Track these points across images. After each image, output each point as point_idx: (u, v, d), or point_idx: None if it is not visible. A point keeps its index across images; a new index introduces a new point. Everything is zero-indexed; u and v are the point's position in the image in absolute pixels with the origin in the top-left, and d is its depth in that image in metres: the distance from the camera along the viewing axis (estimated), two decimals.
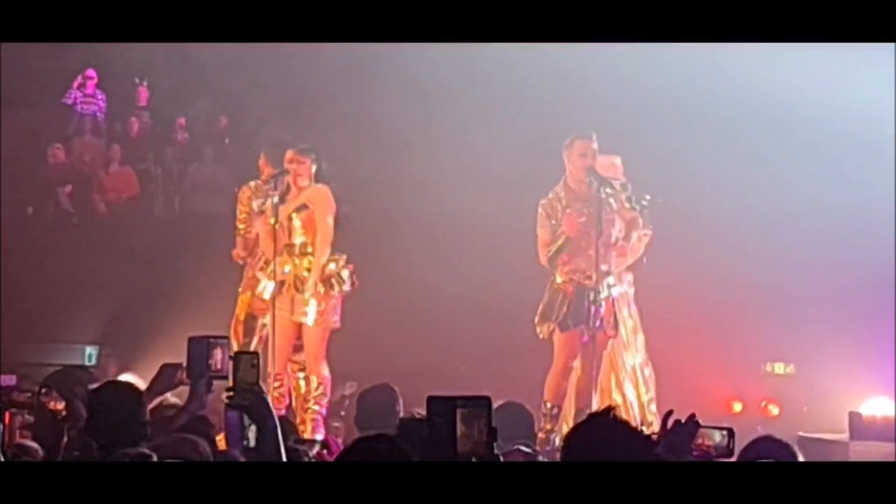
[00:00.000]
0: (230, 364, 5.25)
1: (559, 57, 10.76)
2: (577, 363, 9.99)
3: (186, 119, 15.88)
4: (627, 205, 10.14)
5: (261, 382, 4.60)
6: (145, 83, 15.99)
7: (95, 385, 6.26)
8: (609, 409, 3.89)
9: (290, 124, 13.93)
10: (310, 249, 10.03)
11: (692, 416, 5.07)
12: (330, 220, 10.01)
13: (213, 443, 5.78)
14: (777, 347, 12.38)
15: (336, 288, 10.01)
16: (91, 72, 15.90)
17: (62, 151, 15.49)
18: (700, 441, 4.85)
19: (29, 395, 6.77)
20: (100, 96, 16.10)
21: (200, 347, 5.54)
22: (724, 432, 4.86)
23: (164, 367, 5.90)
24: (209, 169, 15.41)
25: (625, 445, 3.77)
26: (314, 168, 10.10)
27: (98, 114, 16.13)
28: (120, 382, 6.16)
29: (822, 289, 11.98)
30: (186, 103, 15.57)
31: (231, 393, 4.56)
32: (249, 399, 4.51)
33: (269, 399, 4.57)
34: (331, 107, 13.58)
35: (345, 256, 10.08)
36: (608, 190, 9.89)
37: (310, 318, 9.95)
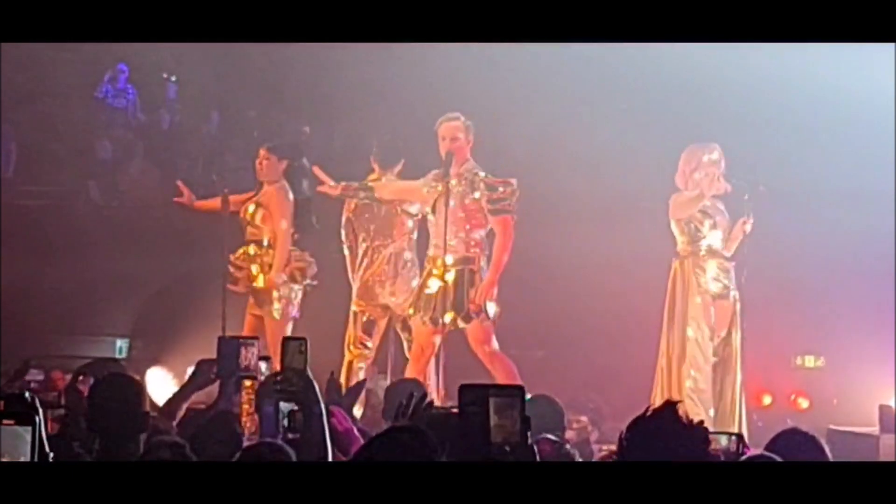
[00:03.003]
0: (259, 364, 5.39)
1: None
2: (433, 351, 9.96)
3: (214, 113, 15.91)
4: (490, 206, 9.87)
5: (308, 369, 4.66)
6: (174, 78, 16.04)
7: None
8: (674, 405, 3.77)
9: (313, 117, 13.98)
10: (266, 244, 10.40)
11: (700, 423, 5.07)
12: (283, 224, 10.36)
13: (237, 436, 5.81)
14: (807, 340, 12.34)
15: (298, 282, 10.44)
16: (122, 66, 15.96)
17: (92, 145, 15.55)
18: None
19: (55, 394, 6.86)
20: (130, 90, 16.15)
21: (230, 347, 5.74)
22: (733, 437, 4.89)
23: (201, 362, 6.04)
24: (237, 163, 15.43)
25: (682, 443, 3.67)
26: (284, 165, 10.42)
27: (129, 108, 16.19)
28: (119, 374, 6.24)
29: (852, 281, 11.92)
30: (215, 98, 15.60)
31: (279, 378, 4.62)
32: (297, 385, 4.57)
33: (317, 385, 4.62)
34: (358, 100, 13.58)
35: (307, 253, 10.52)
36: (463, 182, 9.85)
37: (274, 312, 10.34)
